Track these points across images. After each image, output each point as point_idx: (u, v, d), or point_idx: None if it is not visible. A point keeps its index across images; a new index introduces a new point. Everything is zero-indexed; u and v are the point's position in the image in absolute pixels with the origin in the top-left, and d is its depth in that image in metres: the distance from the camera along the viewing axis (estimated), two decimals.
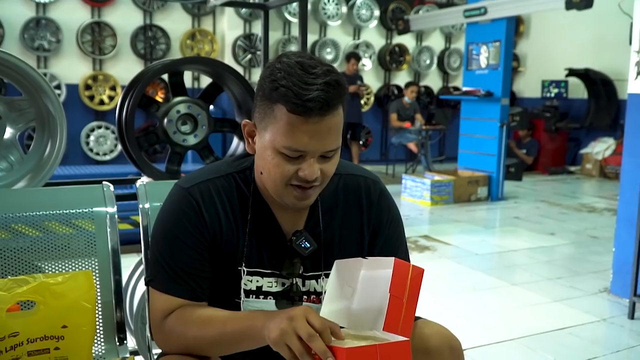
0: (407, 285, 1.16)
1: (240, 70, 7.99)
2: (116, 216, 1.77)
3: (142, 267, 1.77)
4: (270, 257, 1.32)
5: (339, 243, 1.34)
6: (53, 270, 1.68)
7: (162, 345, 1.30)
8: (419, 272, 1.19)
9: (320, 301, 1.33)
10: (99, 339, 1.71)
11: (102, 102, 8.04)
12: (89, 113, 8.06)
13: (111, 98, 7.99)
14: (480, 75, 7.29)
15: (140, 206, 1.76)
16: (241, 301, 1.31)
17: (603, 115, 9.56)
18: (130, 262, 2.46)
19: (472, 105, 7.42)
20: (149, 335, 1.67)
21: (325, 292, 1.26)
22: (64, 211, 1.72)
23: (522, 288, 3.98)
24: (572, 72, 9.53)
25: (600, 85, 9.45)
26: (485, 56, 7.18)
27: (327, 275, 1.32)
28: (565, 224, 5.97)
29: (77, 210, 1.74)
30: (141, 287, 2.32)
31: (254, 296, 1.32)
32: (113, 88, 8.03)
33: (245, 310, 1.27)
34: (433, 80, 10.61)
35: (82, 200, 1.77)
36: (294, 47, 9.03)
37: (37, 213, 1.69)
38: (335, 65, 9.29)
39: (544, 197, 7.52)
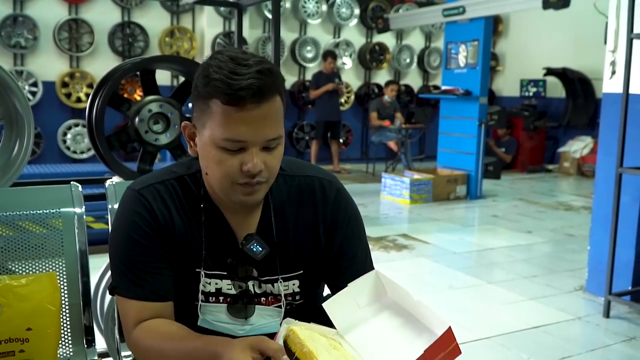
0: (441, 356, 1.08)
1: None
2: (84, 217, 1.74)
3: None
4: (225, 261, 1.29)
5: (294, 244, 1.32)
6: (19, 271, 1.65)
7: (132, 352, 1.30)
8: (456, 351, 1.10)
9: (278, 301, 1.31)
10: (66, 341, 1.68)
11: (79, 100, 7.94)
12: (66, 111, 7.97)
13: (88, 95, 7.88)
14: (459, 74, 7.32)
15: (109, 206, 1.73)
16: (199, 304, 1.29)
17: (581, 114, 9.66)
18: (103, 262, 2.42)
19: (451, 104, 7.45)
20: (117, 337, 1.65)
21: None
22: (31, 212, 1.69)
23: (498, 286, 4.00)
24: (550, 72, 9.62)
25: (577, 84, 9.55)
26: (463, 55, 7.21)
27: (284, 279, 1.31)
28: (543, 222, 6.03)
29: (45, 211, 1.71)
30: None
31: (213, 298, 1.30)
32: (90, 85, 7.94)
33: (205, 335, 1.23)
34: (413, 79, 10.64)
35: (49, 200, 1.74)
36: None
37: (4, 213, 1.66)
38: (315, 63, 9.29)
39: (522, 196, 7.58)
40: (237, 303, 1.30)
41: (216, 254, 1.29)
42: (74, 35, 7.87)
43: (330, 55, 8.58)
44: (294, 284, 1.33)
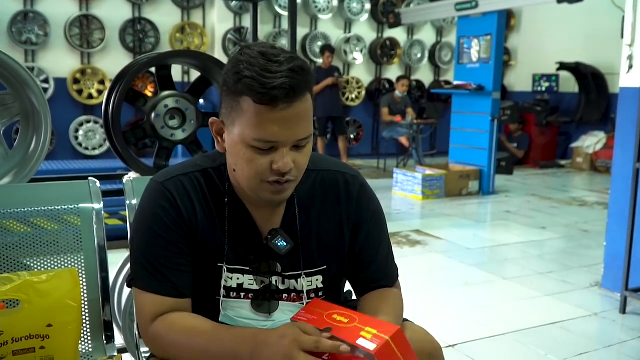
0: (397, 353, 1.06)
1: None
2: (102, 212, 1.74)
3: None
4: (248, 256, 1.28)
5: (318, 240, 1.31)
6: (39, 267, 1.65)
7: (149, 346, 1.28)
8: (397, 333, 1.07)
9: (300, 299, 1.30)
10: (85, 337, 1.68)
11: (90, 96, 7.95)
12: (78, 107, 7.98)
13: (100, 92, 7.91)
14: (472, 69, 7.27)
15: (127, 202, 1.74)
16: (221, 299, 1.28)
17: (593, 109, 9.58)
18: (119, 258, 2.43)
19: (464, 99, 7.41)
20: (137, 333, 1.64)
21: None
22: (50, 208, 1.69)
23: (513, 282, 3.97)
24: (562, 66, 9.54)
25: (590, 79, 9.47)
26: (476, 50, 7.17)
27: (307, 275, 1.30)
28: (556, 218, 5.98)
29: (63, 207, 1.70)
30: None
31: (234, 293, 1.29)
32: (102, 82, 7.95)
33: (231, 327, 1.22)
34: (424, 74, 10.59)
35: (68, 196, 1.73)
36: (284, 41, 8.98)
37: (23, 210, 1.66)
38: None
39: (534, 191, 7.53)
40: (259, 299, 1.29)
41: (239, 249, 1.28)
42: (85, 31, 7.87)
43: (327, 49, 8.50)
44: (317, 280, 1.32)
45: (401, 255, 4.53)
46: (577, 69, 9.49)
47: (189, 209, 1.25)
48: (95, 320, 1.70)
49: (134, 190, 1.74)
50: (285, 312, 1.30)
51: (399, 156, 9.09)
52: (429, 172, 7.06)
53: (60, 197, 1.73)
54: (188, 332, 1.18)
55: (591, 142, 9.30)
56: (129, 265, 2.29)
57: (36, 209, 1.67)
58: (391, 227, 5.27)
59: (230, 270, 1.28)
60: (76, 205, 1.72)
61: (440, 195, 6.89)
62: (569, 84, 10.02)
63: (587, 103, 9.66)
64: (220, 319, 1.28)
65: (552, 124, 9.94)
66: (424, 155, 8.81)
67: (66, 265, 1.68)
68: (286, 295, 1.31)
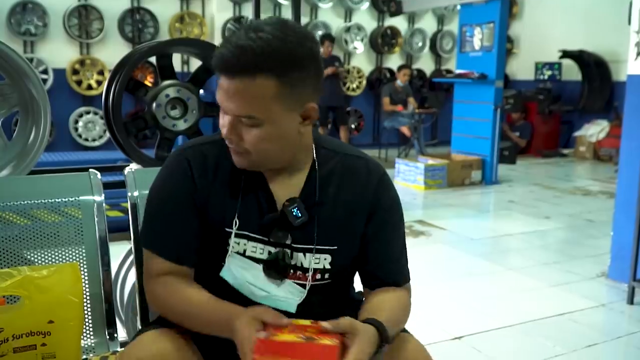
0: None
1: None
2: (104, 205, 1.70)
3: (132, 256, 1.71)
4: (260, 223, 1.28)
5: (332, 219, 1.30)
6: (40, 259, 1.62)
7: (148, 303, 1.38)
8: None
9: (305, 278, 1.29)
10: (87, 332, 1.65)
11: (90, 87, 7.90)
12: (77, 98, 7.92)
13: (99, 83, 7.85)
14: (474, 57, 7.21)
15: (129, 194, 1.70)
16: (229, 252, 1.27)
17: (597, 98, 9.51)
18: (120, 250, 2.39)
19: (466, 88, 7.35)
20: (140, 327, 1.60)
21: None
22: (50, 200, 1.66)
23: (518, 273, 3.94)
24: (565, 54, 9.47)
25: (593, 67, 9.39)
26: (479, 38, 7.10)
27: (317, 251, 1.28)
28: (560, 208, 5.94)
29: (64, 199, 1.67)
30: (132, 277, 2.25)
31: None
32: (101, 72, 7.89)
33: (224, 303, 1.23)
34: (425, 63, 10.51)
35: (68, 188, 1.70)
36: None
37: (22, 202, 1.63)
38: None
39: (538, 181, 7.49)
40: (271, 270, 1.28)
41: (252, 216, 1.28)
42: (83, 21, 7.81)
43: (327, 38, 8.38)
44: (325, 259, 1.30)
45: None
46: (580, 57, 9.41)
47: (202, 178, 1.28)
48: (98, 315, 1.67)
49: (136, 181, 1.70)
50: (286, 290, 1.28)
51: (401, 146, 9.04)
52: (431, 161, 7.02)
53: (60, 189, 1.70)
54: (186, 302, 1.25)
55: (594, 130, 9.24)
56: (131, 258, 2.26)
57: (36, 201, 1.64)
58: None
59: (238, 236, 1.27)
60: (77, 198, 1.68)
61: (443, 185, 6.85)
62: (571, 72, 9.94)
63: (590, 91, 9.58)
64: (220, 274, 1.27)
65: (554, 112, 9.88)
66: (425, 145, 8.76)
67: (67, 258, 1.65)
68: (292, 272, 1.28)
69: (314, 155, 1.31)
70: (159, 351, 1.20)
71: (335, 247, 1.30)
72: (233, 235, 1.27)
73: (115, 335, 1.69)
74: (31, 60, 7.48)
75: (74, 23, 7.76)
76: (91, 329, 1.66)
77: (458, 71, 7.45)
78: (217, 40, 8.50)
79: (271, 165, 1.27)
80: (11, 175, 2.15)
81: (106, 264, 1.67)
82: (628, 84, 3.64)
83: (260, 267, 1.27)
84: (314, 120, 1.26)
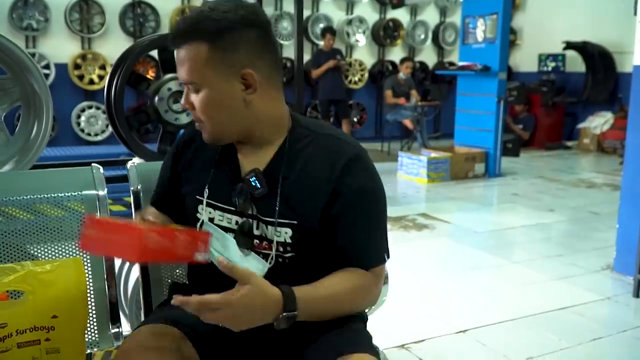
0: None
1: None
2: (107, 199, 1.69)
3: None
4: (227, 194, 1.35)
5: (295, 193, 1.29)
6: (43, 254, 1.62)
7: None
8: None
9: (271, 248, 1.30)
10: (91, 327, 1.64)
11: (92, 82, 7.89)
12: (79, 93, 7.91)
13: (101, 77, 7.83)
14: (477, 49, 7.17)
15: (132, 188, 1.69)
16: (199, 222, 1.37)
17: (601, 89, 9.46)
18: None
19: (469, 80, 7.32)
20: (144, 320, 1.60)
21: None
22: (53, 195, 1.66)
23: (522, 266, 3.93)
24: (569, 45, 9.42)
25: (597, 58, 9.34)
26: (482, 29, 7.06)
27: (279, 224, 1.29)
28: (564, 200, 5.92)
29: (67, 194, 1.67)
30: (135, 271, 2.25)
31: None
32: (103, 67, 7.87)
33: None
34: (428, 56, 10.48)
35: (71, 183, 1.70)
36: (285, 23, 8.88)
37: (25, 197, 1.63)
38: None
39: (541, 173, 7.47)
40: (243, 237, 1.33)
41: (222, 186, 1.36)
42: (85, 16, 7.79)
43: (328, 31, 8.34)
44: (286, 233, 1.29)
45: (408, 240, 4.49)
46: (584, 48, 9.36)
47: (187, 152, 1.44)
48: (102, 310, 1.67)
49: (138, 175, 1.69)
50: (251, 262, 1.30)
51: (403, 139, 9.01)
52: (434, 154, 6.99)
53: (63, 183, 1.69)
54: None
55: (598, 122, 9.20)
56: None
57: (39, 195, 1.64)
58: (397, 211, 5.26)
59: (208, 205, 1.36)
60: (80, 192, 1.68)
61: (446, 178, 6.83)
62: (575, 63, 9.89)
63: (594, 83, 9.54)
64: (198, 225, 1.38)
65: (558, 104, 9.84)
66: (428, 137, 8.74)
67: (71, 252, 1.65)
68: (257, 242, 1.32)
69: (288, 132, 1.34)
70: (154, 345, 1.22)
71: (296, 222, 1.29)
72: (204, 204, 1.36)
73: (120, 329, 1.69)
74: (33, 55, 7.46)
75: (76, 18, 7.74)
76: (95, 324, 1.65)
77: (461, 63, 7.41)
78: None
79: (228, 137, 1.32)
80: (14, 170, 2.14)
81: (110, 258, 1.67)
82: (634, 75, 3.61)
83: (230, 237, 1.33)
84: (255, 89, 1.26)
